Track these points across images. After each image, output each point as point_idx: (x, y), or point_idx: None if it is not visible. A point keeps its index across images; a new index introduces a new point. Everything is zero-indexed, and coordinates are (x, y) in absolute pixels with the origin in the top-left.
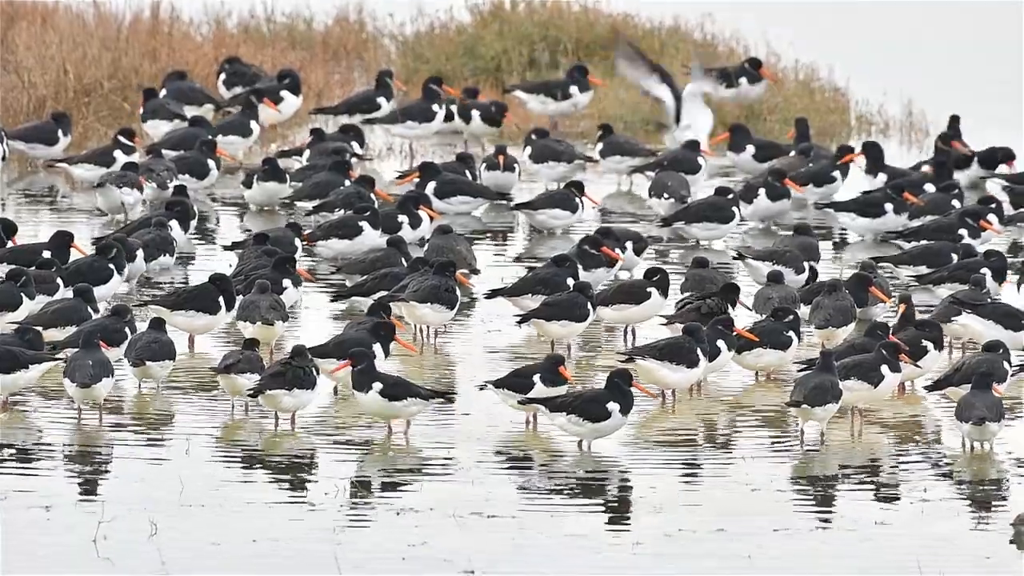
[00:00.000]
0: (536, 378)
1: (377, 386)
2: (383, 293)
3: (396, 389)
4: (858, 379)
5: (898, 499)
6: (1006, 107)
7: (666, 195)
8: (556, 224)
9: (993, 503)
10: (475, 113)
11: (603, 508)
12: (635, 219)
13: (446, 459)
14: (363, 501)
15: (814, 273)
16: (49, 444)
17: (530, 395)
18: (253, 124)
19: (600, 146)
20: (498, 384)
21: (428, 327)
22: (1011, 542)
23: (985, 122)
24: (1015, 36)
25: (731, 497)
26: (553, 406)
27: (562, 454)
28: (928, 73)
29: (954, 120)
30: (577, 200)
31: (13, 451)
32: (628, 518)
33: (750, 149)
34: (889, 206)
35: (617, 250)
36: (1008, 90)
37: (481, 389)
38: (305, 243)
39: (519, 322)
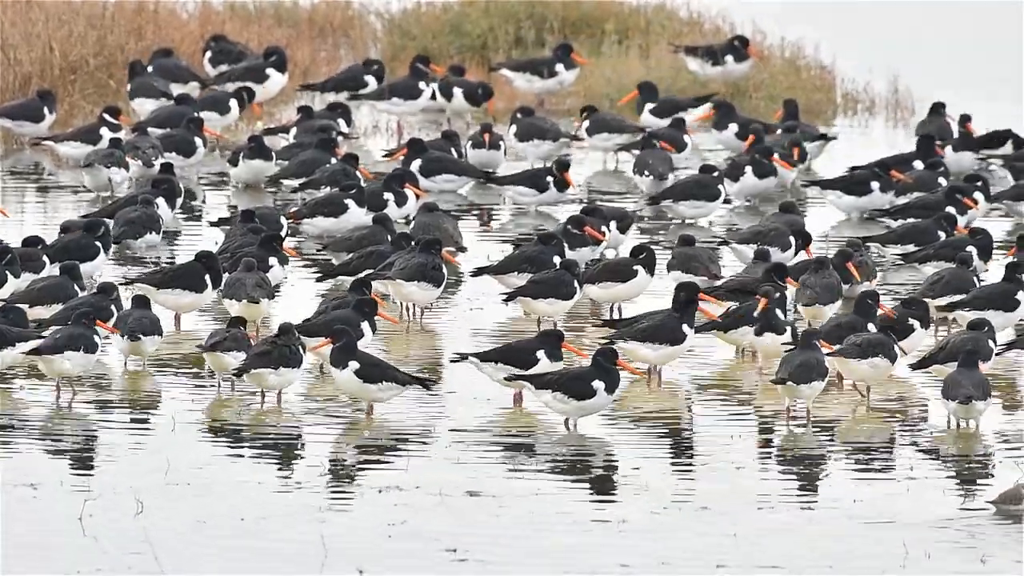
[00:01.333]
0: (540, 354)
1: (353, 365)
2: (369, 272)
3: (372, 371)
4: (883, 357)
5: (884, 477)
6: (1006, 105)
7: (646, 172)
8: (523, 202)
9: (979, 481)
10: (457, 91)
11: (589, 486)
12: (621, 196)
13: (431, 437)
14: (348, 479)
15: (806, 239)
16: (35, 422)
17: (533, 370)
18: (233, 103)
19: (587, 124)
20: (487, 358)
21: (414, 305)
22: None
23: (984, 115)
24: (1015, 32)
25: (716, 475)
26: (539, 383)
27: (547, 433)
28: (914, 52)
29: (938, 106)
30: (548, 180)
31: None
32: (614, 496)
33: (733, 127)
34: (876, 184)
35: (603, 229)
36: (1009, 90)
37: (454, 362)
38: (291, 221)
39: (506, 300)
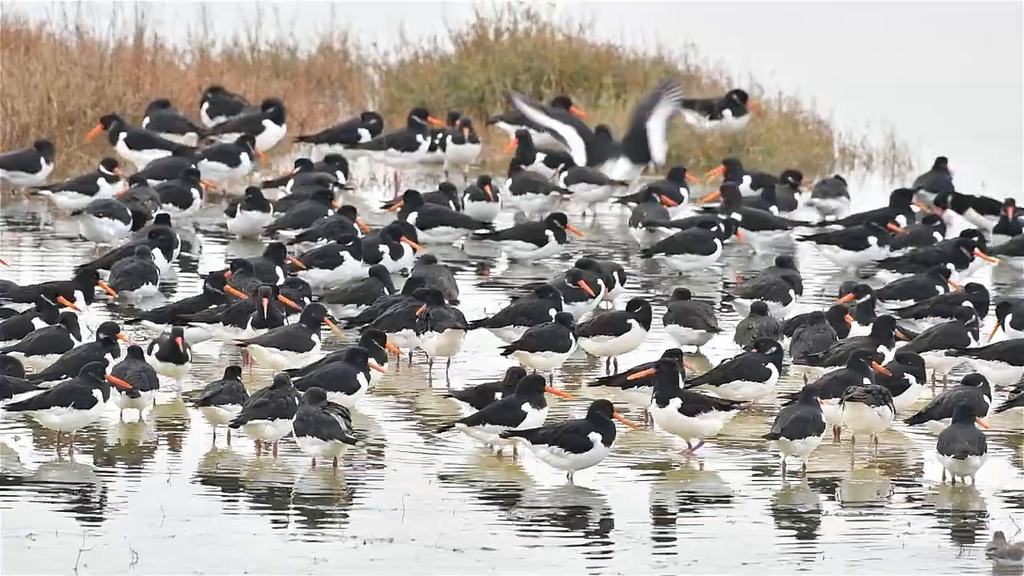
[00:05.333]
0: (526, 407)
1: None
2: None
3: (297, 424)
4: (890, 407)
5: (879, 533)
6: (1000, 143)
7: (639, 225)
8: (522, 256)
9: (975, 537)
10: (448, 139)
11: (584, 540)
12: (612, 248)
13: (427, 488)
14: (343, 532)
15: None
16: (30, 473)
17: (523, 424)
18: (244, 157)
19: (564, 175)
20: (474, 421)
21: (411, 355)
22: (989, 558)
23: (977, 158)
24: (1013, 38)
25: (712, 530)
26: (535, 438)
27: (543, 485)
28: (914, 104)
29: (941, 161)
30: (547, 234)
31: None
32: (609, 551)
33: (747, 180)
34: (873, 239)
35: (599, 282)
36: (1006, 97)
37: (441, 430)
38: (291, 272)
39: (504, 353)
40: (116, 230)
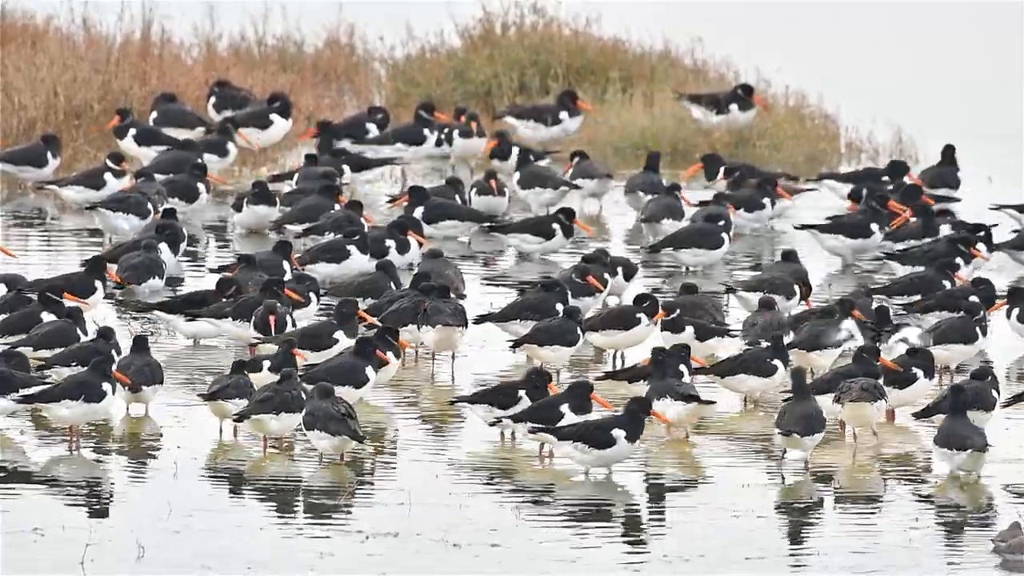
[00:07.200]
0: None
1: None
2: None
3: (307, 419)
4: (884, 399)
5: (884, 525)
6: (1003, 141)
7: (642, 217)
8: (529, 249)
9: (981, 531)
10: (455, 133)
11: (591, 533)
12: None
13: (434, 482)
14: (348, 526)
15: (807, 289)
16: (37, 467)
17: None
18: (231, 146)
19: (572, 171)
20: (475, 400)
21: (416, 351)
22: (994, 552)
23: (981, 154)
24: (1012, 63)
25: (716, 524)
26: (560, 434)
27: (547, 480)
28: (915, 104)
29: (949, 149)
30: (554, 227)
31: (1, 474)
32: (615, 544)
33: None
34: (875, 226)
35: (606, 275)
36: (1010, 94)
37: (452, 403)
38: (295, 267)
39: (512, 347)
40: (131, 224)
